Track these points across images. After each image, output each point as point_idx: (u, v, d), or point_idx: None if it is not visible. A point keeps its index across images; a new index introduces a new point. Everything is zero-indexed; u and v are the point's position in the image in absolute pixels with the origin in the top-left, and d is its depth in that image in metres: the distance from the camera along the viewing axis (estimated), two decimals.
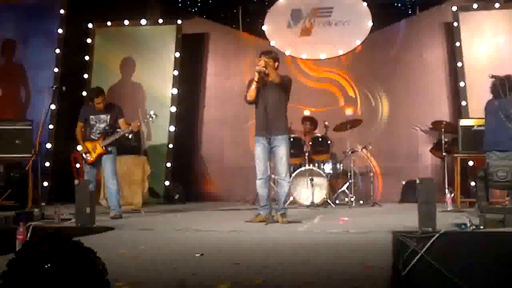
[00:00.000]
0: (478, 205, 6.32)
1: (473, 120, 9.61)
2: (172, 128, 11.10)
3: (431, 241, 5.10)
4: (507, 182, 6.19)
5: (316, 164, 9.87)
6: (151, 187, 10.26)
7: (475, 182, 6.25)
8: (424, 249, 5.01)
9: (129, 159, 9.71)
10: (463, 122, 9.65)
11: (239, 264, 4.09)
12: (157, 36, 11.58)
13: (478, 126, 9.39)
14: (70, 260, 2.54)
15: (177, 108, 11.18)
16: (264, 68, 6.84)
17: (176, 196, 10.86)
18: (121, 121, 8.07)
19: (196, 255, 4.48)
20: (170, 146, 11.08)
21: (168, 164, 11.03)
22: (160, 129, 11.07)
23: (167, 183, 10.97)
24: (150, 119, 8.42)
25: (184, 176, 11.50)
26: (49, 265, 2.53)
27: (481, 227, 5.75)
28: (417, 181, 5.71)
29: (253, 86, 6.95)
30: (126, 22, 11.74)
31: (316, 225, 6.90)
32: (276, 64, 7.02)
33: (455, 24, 10.76)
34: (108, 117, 8.03)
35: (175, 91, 11.20)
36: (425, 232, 5.34)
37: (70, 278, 2.49)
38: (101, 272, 2.64)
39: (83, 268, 2.55)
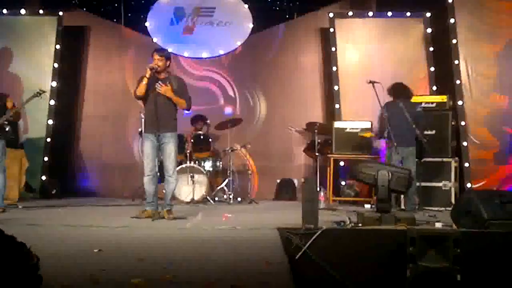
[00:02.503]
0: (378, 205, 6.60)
1: (346, 122, 10.26)
2: (50, 122, 10.83)
3: (313, 237, 5.42)
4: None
5: (197, 162, 10.06)
6: (27, 181, 10.03)
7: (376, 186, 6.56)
8: (307, 245, 5.31)
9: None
10: (337, 124, 10.24)
11: (143, 260, 4.21)
12: (37, 27, 11.20)
13: (351, 128, 10.08)
14: (4, 253, 2.57)
15: (56, 102, 10.92)
16: (156, 66, 6.96)
17: (53, 191, 10.60)
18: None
19: (95, 251, 4.54)
20: (48, 140, 10.82)
21: (46, 158, 10.77)
22: (38, 123, 10.81)
23: (43, 177, 10.70)
24: (38, 95, 8.19)
25: (61, 171, 11.25)
26: None
27: (360, 224, 6.19)
28: (302, 180, 6.03)
29: (144, 81, 6.99)
30: (5, 11, 11.24)
31: (201, 221, 7.07)
32: (168, 62, 7.16)
33: (331, 30, 11.22)
34: None
35: (54, 84, 10.92)
36: (308, 229, 5.67)
37: (3, 272, 2.53)
38: (35, 266, 2.69)
39: (17, 262, 2.59)
